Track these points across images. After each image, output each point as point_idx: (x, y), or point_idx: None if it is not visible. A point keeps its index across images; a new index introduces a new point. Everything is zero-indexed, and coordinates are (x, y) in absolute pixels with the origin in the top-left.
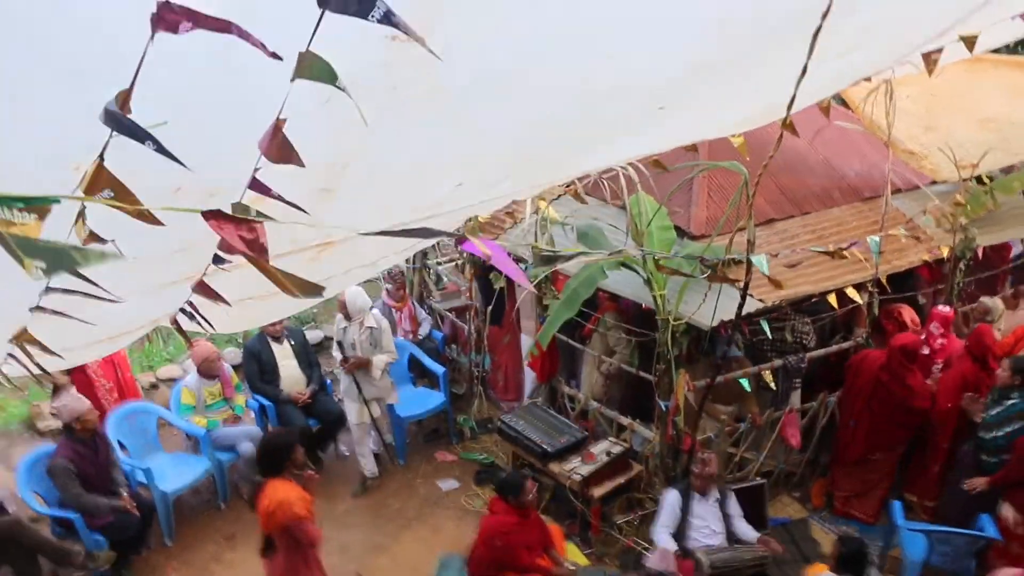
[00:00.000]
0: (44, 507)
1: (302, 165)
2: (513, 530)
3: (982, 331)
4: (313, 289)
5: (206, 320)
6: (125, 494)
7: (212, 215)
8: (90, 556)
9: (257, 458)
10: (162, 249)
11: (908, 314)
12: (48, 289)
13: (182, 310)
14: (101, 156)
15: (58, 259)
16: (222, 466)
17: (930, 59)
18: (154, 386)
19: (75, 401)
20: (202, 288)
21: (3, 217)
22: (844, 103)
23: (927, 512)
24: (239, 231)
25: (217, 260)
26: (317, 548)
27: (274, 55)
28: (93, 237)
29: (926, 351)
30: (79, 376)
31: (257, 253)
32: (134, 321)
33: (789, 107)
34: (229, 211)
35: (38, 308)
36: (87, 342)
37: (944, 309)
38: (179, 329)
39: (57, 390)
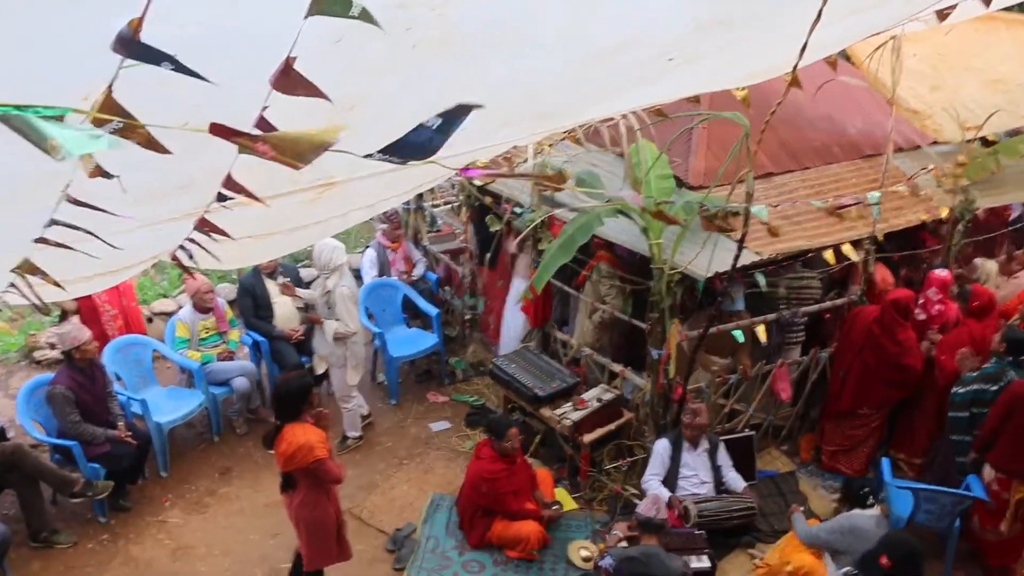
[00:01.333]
0: (43, 435)
1: (321, 96)
2: (499, 476)
3: (977, 288)
4: (319, 146)
5: (204, 257)
6: (121, 424)
7: (219, 128)
8: (89, 484)
9: (273, 403)
10: (165, 185)
11: (881, 272)
12: (52, 222)
13: (181, 247)
14: (110, 86)
15: (75, 141)
16: (216, 400)
17: (942, 14)
18: (148, 320)
19: (76, 330)
20: (204, 225)
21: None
22: (848, 58)
23: (913, 469)
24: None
25: (220, 198)
26: (340, 483)
27: None
28: (99, 171)
29: (921, 315)
30: (85, 303)
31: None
32: (135, 255)
33: (798, 60)
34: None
35: (41, 240)
36: (88, 275)
37: (942, 273)
38: (179, 264)
39: (65, 316)
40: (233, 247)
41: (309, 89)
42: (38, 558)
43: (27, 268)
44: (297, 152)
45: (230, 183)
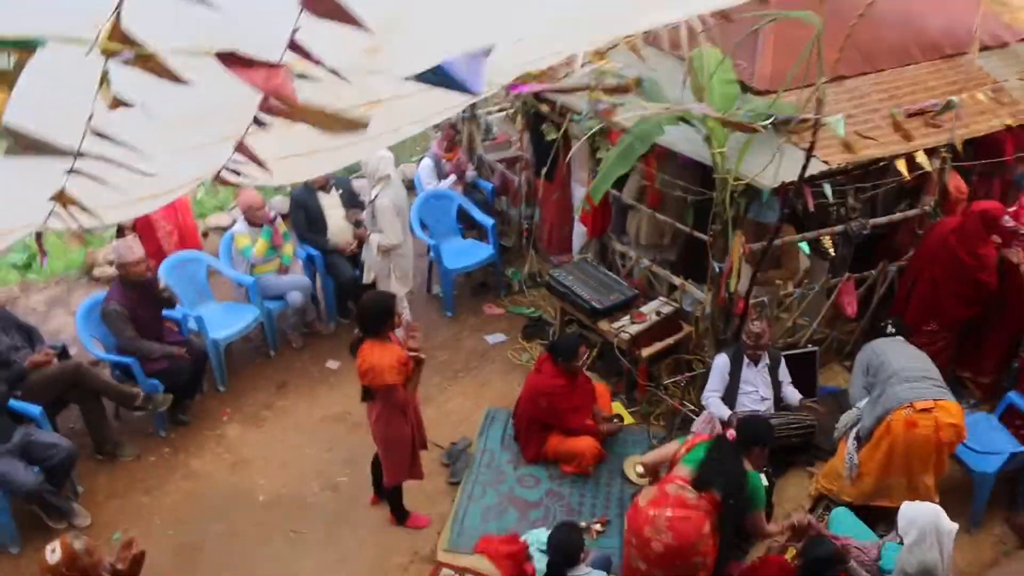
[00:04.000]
0: (102, 352)
1: (354, 22)
2: (560, 392)
3: None
4: (353, 125)
5: (251, 173)
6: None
7: (229, 58)
8: (148, 398)
9: (358, 318)
10: (195, 109)
11: (955, 181)
12: (80, 153)
13: (226, 167)
14: (117, 13)
15: None
16: (271, 315)
17: None
18: (204, 235)
19: (126, 249)
20: (243, 149)
21: None
22: None
23: (980, 389)
24: (261, 75)
25: (257, 122)
26: (408, 409)
27: None
28: (118, 102)
29: (1010, 223)
30: (141, 219)
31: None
32: (176, 179)
33: None
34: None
35: (73, 171)
36: (129, 200)
37: None
38: (224, 183)
39: (121, 231)
40: (278, 165)
41: (342, 13)
42: (104, 471)
43: (64, 199)
44: (328, 126)
45: (267, 105)
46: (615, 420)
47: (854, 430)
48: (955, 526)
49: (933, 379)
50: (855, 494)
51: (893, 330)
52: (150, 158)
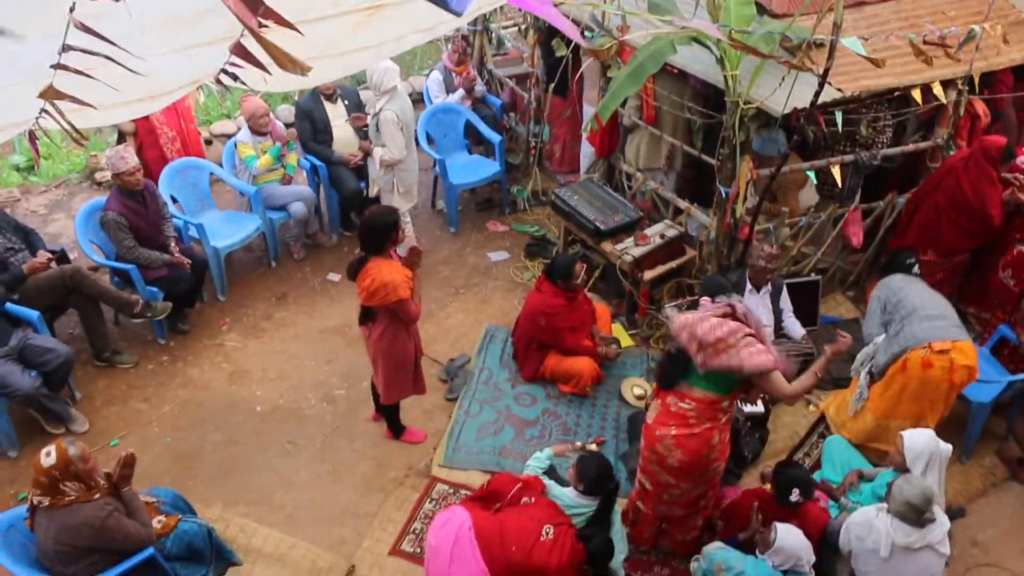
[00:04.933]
0: (102, 257)
1: None
2: (559, 311)
3: None
4: (298, 66)
5: (251, 78)
6: (175, 248)
7: None
8: (148, 306)
9: (360, 235)
10: (190, 9)
11: (980, 106)
12: (66, 47)
13: (224, 70)
14: None
15: None
16: (273, 225)
17: None
18: (208, 142)
19: (118, 159)
20: (240, 51)
21: None
22: None
23: (981, 324)
24: None
25: (259, 24)
26: (415, 323)
27: None
28: None
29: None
30: (143, 124)
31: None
32: (173, 80)
33: None
34: None
35: (59, 66)
36: (124, 100)
37: None
38: (222, 85)
39: (123, 137)
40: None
41: None
42: (103, 376)
43: (51, 94)
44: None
45: (262, 8)
46: (613, 344)
47: (867, 366)
48: (949, 447)
49: (951, 318)
50: (855, 431)
51: (915, 265)
52: (140, 56)
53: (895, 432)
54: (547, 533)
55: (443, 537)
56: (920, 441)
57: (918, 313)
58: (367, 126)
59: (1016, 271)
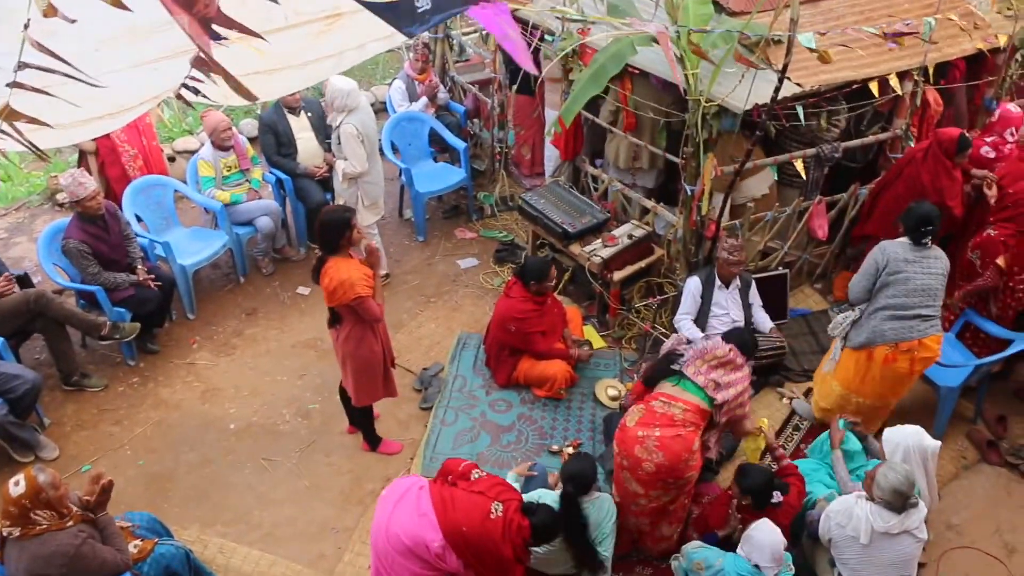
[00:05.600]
0: (66, 280)
1: None
2: (529, 316)
3: None
4: (246, 94)
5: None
6: (141, 268)
7: None
8: (115, 327)
9: (316, 236)
10: (147, 22)
11: (932, 95)
12: (22, 64)
13: (184, 85)
14: None
15: None
16: (240, 240)
17: None
18: (171, 159)
19: (76, 185)
20: (201, 63)
21: None
22: None
23: (945, 307)
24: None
25: (215, 36)
26: (380, 322)
27: None
28: (54, 10)
29: (991, 154)
30: (104, 143)
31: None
32: (133, 96)
33: None
34: None
35: (15, 84)
36: (84, 118)
37: (1015, 110)
38: (186, 102)
39: (83, 157)
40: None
41: None
42: (71, 401)
43: (7, 114)
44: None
45: (220, 17)
46: (585, 346)
47: (843, 332)
48: (938, 444)
49: (924, 315)
50: (823, 395)
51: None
52: (98, 72)
53: (855, 407)
54: (496, 510)
55: (393, 488)
56: (897, 435)
57: (891, 309)
58: (328, 172)
59: (984, 252)
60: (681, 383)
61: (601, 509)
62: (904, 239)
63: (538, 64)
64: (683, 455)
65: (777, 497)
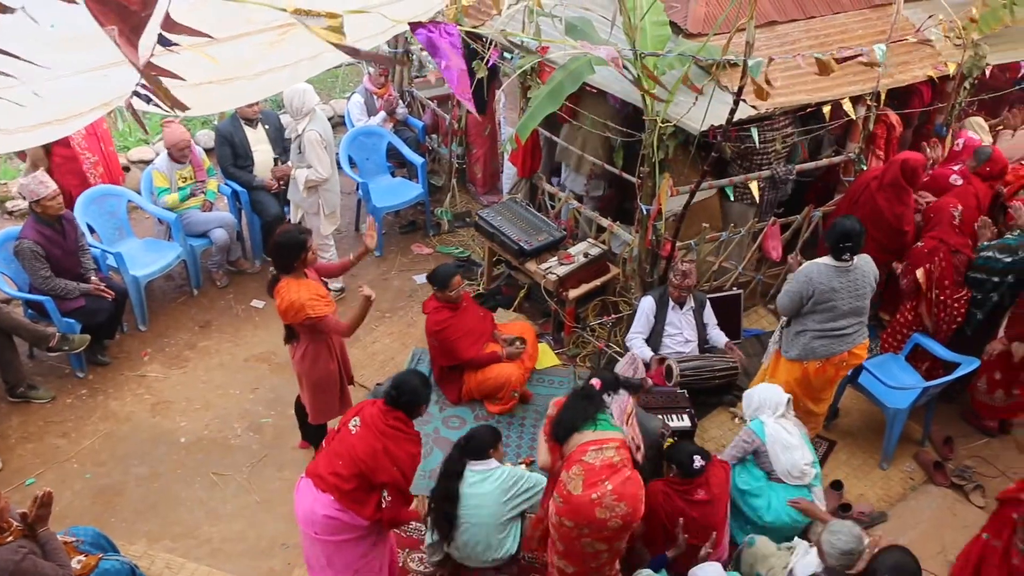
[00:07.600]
0: (14, 289)
1: None
2: (446, 324)
3: (997, 152)
4: (178, 104)
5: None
6: (94, 278)
7: None
8: (64, 338)
9: (272, 256)
10: (94, 26)
11: (893, 116)
12: None
13: (136, 93)
14: None
15: None
16: (195, 252)
17: None
18: (125, 168)
19: (38, 185)
20: (151, 69)
21: None
22: None
23: (891, 327)
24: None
25: (163, 41)
26: (346, 336)
27: None
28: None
29: (958, 181)
30: (62, 151)
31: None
32: (82, 102)
33: None
34: None
35: None
36: (31, 124)
37: (975, 138)
38: (134, 113)
39: (34, 166)
40: (193, 93)
41: None
42: (17, 413)
43: None
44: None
45: (170, 24)
46: (518, 343)
47: (777, 344)
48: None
49: (850, 333)
50: None
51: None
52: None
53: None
54: (355, 424)
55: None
56: (759, 393)
57: (821, 332)
58: (284, 185)
59: (910, 261)
60: (599, 425)
61: (484, 485)
62: (827, 258)
63: (497, 79)
64: (639, 494)
65: (698, 462)
